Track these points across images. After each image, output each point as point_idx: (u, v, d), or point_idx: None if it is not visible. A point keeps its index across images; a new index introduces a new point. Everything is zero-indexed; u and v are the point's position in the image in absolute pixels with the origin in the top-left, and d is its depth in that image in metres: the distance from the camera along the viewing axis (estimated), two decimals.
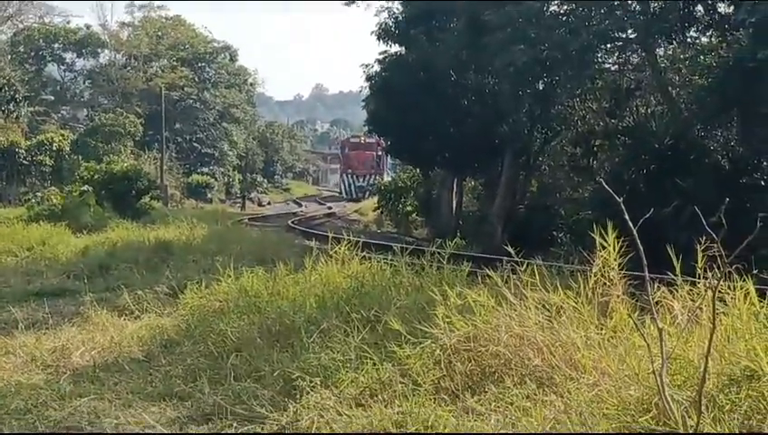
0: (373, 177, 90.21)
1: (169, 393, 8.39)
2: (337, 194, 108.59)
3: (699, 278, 7.08)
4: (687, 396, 5.84)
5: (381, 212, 59.08)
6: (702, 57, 29.04)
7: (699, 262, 6.92)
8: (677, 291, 7.37)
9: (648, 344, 6.03)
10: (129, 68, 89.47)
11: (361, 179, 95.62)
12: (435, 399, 7.02)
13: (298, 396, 7.46)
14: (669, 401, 5.64)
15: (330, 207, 78.63)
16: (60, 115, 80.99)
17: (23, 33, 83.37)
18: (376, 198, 63.95)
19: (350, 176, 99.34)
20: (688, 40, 27.76)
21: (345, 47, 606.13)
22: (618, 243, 7.73)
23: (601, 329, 7.40)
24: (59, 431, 7.38)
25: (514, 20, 28.18)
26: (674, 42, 28.12)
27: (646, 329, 6.30)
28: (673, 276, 7.43)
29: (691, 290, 7.35)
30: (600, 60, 31.39)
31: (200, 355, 9.68)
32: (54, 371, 9.50)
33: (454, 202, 43.02)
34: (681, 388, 6.04)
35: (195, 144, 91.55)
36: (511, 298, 7.87)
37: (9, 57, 73.10)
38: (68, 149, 60.99)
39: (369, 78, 41.01)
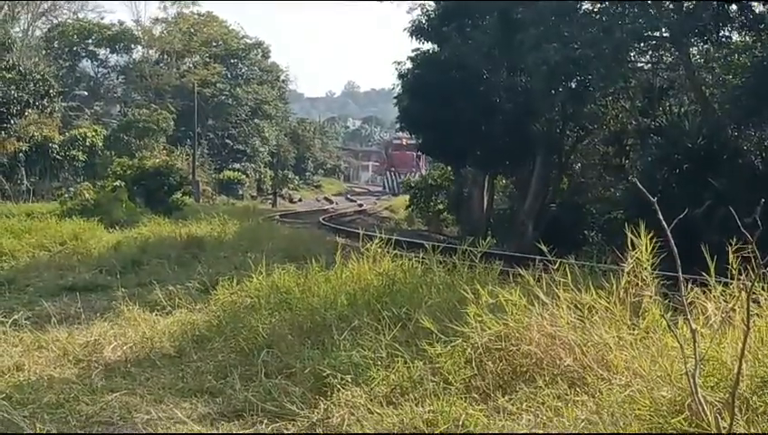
0: (413, 174, 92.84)
1: (200, 389, 8.42)
2: (371, 190, 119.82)
3: (733, 279, 7.02)
4: (720, 398, 5.80)
5: (412, 210, 59.09)
6: (736, 56, 28.95)
7: (733, 263, 6.87)
8: (711, 292, 7.30)
9: (680, 345, 5.98)
10: (162, 64, 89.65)
11: (402, 177, 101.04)
12: (466, 398, 7.00)
13: (329, 393, 7.45)
14: (702, 403, 5.60)
15: (360, 205, 79.46)
16: (93, 111, 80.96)
17: (57, 29, 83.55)
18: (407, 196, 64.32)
19: (392, 173, 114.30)
20: (722, 39, 27.63)
21: (378, 45, 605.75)
22: (650, 243, 7.67)
23: (634, 329, 7.34)
24: (91, 430, 7.41)
25: (547, 18, 28.20)
26: (707, 41, 28.01)
27: (679, 330, 6.26)
28: (706, 277, 7.36)
29: (725, 291, 7.27)
30: (633, 59, 31.40)
31: (231, 351, 9.71)
32: (86, 365, 9.54)
33: (485, 200, 42.91)
34: (714, 390, 6.00)
35: (227, 140, 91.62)
36: (543, 297, 7.83)
37: (44, 53, 73.31)
38: (101, 144, 61.16)
39: (401, 75, 41.17)
